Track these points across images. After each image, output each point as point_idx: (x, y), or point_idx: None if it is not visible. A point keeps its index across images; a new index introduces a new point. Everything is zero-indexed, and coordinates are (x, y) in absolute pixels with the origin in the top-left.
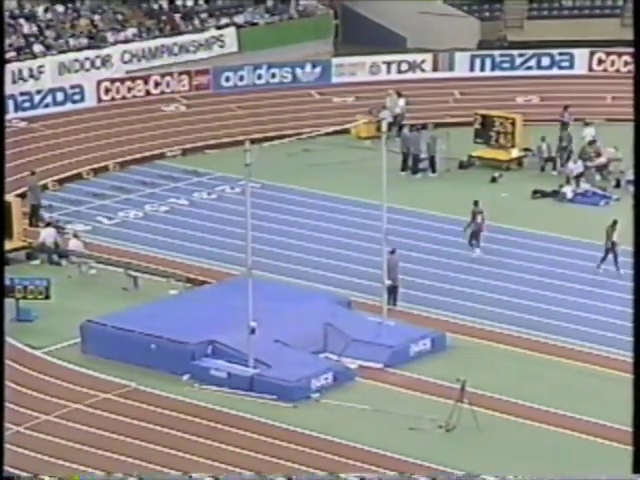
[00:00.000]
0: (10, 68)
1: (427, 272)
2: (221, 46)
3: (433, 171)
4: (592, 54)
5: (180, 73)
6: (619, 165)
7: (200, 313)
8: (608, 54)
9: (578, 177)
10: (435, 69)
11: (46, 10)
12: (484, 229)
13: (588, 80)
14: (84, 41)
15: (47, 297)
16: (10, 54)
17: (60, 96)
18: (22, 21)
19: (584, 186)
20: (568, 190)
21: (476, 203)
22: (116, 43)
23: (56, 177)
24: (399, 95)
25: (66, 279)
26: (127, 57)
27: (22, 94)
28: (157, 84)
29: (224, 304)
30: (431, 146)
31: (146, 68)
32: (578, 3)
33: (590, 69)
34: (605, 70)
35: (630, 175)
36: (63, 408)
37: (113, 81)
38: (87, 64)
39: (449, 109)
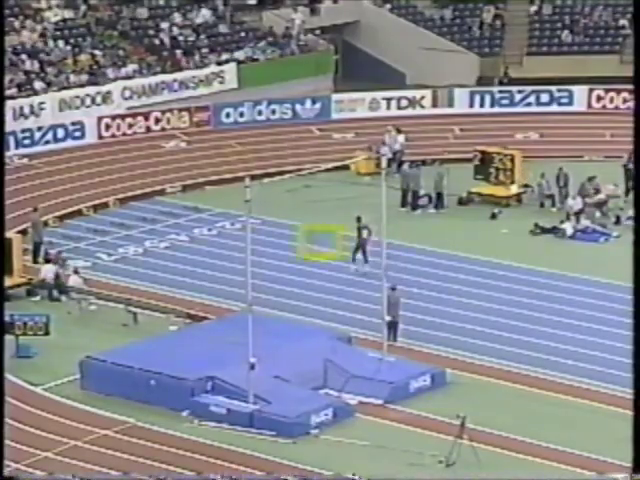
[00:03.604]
0: (11, 105)
1: (427, 308)
2: (221, 82)
3: (442, 207)
4: (591, 91)
5: (180, 109)
6: (618, 202)
7: (200, 349)
8: (607, 91)
9: (578, 214)
10: (434, 105)
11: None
12: (369, 244)
13: (587, 117)
14: (85, 77)
15: (47, 333)
16: (11, 90)
17: (61, 132)
18: (24, 57)
19: (584, 222)
20: (568, 226)
21: (359, 219)
22: (116, 79)
23: (56, 214)
24: (398, 131)
25: (66, 315)
26: (127, 93)
27: (23, 131)
28: (158, 120)
29: (224, 340)
30: (438, 183)
31: (147, 104)
32: (577, 40)
33: (589, 106)
34: (604, 107)
35: (630, 212)
36: (62, 445)
37: (114, 117)
38: (88, 100)
39: (448, 145)
